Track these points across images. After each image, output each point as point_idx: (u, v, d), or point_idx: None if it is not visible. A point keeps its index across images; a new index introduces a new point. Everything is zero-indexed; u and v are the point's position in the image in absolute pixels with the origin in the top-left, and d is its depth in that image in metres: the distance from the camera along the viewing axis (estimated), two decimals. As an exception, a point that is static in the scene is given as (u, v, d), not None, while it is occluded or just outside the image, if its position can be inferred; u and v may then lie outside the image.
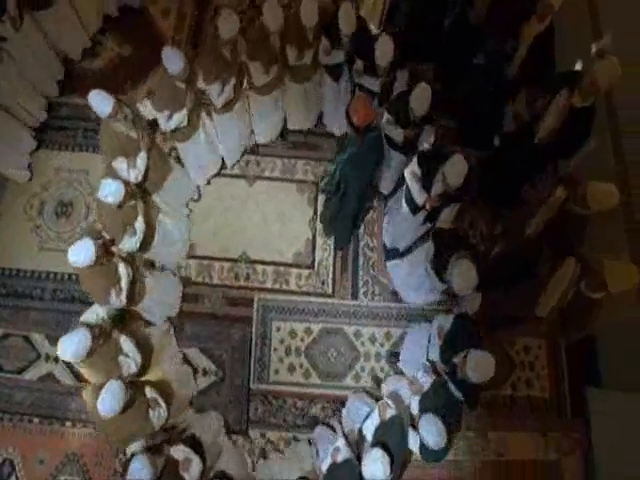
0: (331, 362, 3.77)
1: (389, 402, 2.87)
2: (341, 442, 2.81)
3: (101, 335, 2.74)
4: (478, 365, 2.52)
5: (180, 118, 3.32)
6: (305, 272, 4.00)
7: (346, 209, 3.54)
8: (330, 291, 3.94)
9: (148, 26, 4.71)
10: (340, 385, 3.72)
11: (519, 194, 3.43)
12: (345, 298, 3.92)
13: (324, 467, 2.81)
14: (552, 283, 2.87)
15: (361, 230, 4.09)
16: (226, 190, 4.22)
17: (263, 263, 4.01)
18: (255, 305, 3.89)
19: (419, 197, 3.13)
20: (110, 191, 2.85)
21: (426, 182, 3.06)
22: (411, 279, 3.62)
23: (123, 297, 3.03)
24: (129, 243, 3.19)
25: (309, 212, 4.17)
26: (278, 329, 3.84)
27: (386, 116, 3.30)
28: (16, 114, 3.96)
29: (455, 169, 2.83)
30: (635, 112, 3.36)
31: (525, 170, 3.28)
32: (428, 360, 3.06)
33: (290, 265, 4.02)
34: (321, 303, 3.90)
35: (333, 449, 2.80)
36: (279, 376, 3.73)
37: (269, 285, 3.95)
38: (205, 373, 3.72)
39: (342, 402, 3.62)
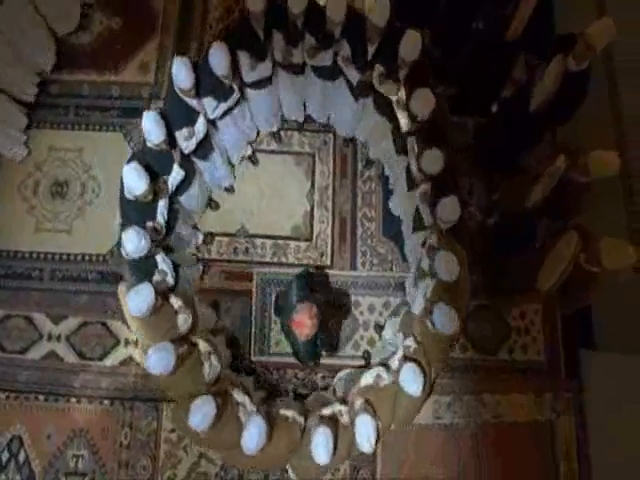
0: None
1: None
2: None
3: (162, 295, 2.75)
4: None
5: None
6: (303, 245, 3.99)
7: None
8: (329, 262, 3.96)
9: (138, -3, 4.47)
10: (340, 354, 3.78)
11: (517, 162, 3.40)
12: (344, 269, 3.94)
13: None
14: (552, 256, 2.83)
15: (359, 201, 4.09)
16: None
17: (262, 237, 4.00)
18: (255, 279, 3.90)
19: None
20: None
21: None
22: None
23: None
24: None
25: (306, 184, 4.13)
26: (278, 301, 3.86)
27: (378, 71, 3.08)
28: (7, 89, 3.85)
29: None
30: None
31: (522, 136, 3.25)
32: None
33: (289, 238, 4.01)
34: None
35: None
36: (280, 347, 3.76)
37: (268, 259, 3.95)
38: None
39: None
